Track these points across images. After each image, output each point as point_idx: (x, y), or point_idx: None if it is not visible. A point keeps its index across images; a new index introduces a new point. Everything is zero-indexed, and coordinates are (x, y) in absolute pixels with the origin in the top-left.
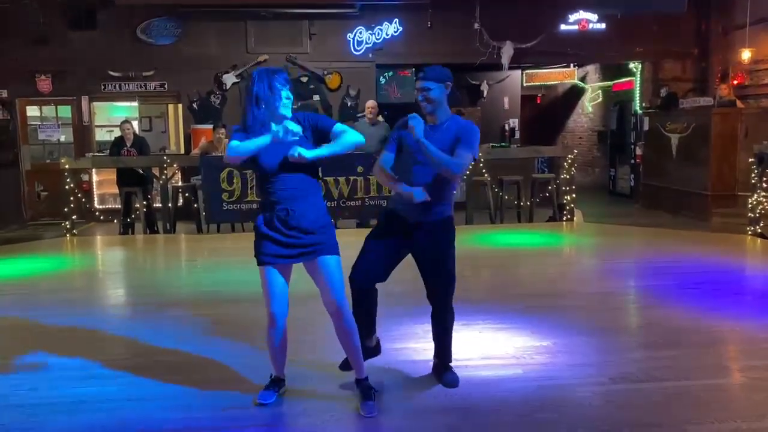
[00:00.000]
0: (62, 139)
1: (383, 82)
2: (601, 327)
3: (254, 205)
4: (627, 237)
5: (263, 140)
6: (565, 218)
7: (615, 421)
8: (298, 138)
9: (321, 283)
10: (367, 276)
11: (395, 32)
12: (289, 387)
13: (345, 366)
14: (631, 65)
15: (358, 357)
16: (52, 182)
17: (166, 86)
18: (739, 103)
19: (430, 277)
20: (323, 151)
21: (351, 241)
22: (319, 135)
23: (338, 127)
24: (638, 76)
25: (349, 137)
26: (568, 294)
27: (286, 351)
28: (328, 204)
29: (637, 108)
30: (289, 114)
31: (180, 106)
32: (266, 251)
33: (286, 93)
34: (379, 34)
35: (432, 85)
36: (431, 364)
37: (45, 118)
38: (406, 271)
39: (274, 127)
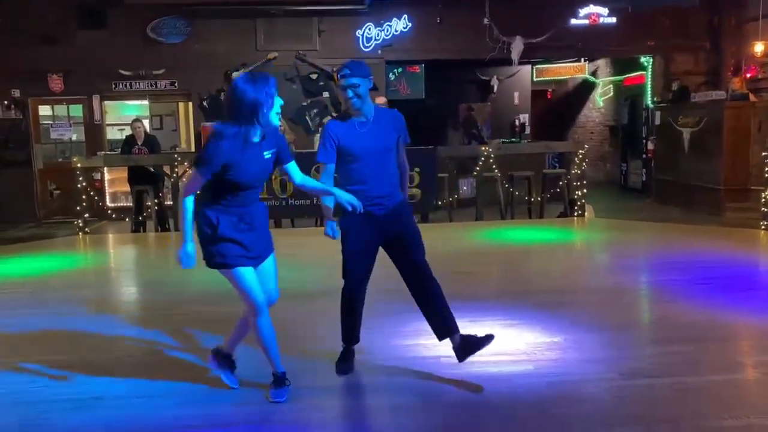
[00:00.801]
0: (74, 138)
1: (392, 78)
2: (612, 323)
3: (264, 202)
4: (639, 232)
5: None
6: (576, 214)
7: (626, 417)
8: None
9: (271, 278)
10: (361, 283)
11: (404, 28)
12: (302, 383)
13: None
14: (643, 59)
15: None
16: (65, 181)
17: (176, 84)
18: (752, 97)
19: (417, 250)
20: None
21: None
22: (276, 159)
23: (293, 166)
24: (649, 70)
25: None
26: (579, 290)
27: None
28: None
29: (649, 102)
30: (278, 123)
31: (190, 104)
32: (235, 252)
33: (279, 101)
34: (388, 30)
35: (359, 81)
36: (441, 360)
37: (57, 117)
38: None
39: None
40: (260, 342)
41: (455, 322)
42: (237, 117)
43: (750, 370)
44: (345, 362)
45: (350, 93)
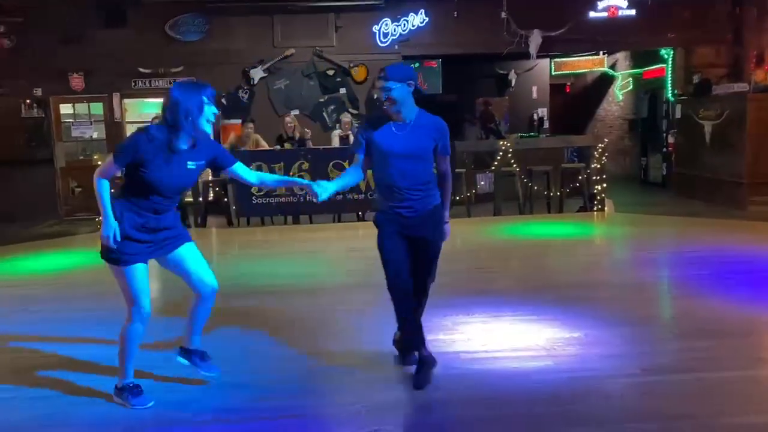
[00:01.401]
0: (95, 135)
1: None
2: (633, 318)
3: (283, 199)
4: (659, 226)
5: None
6: (595, 208)
7: (648, 413)
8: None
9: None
10: (398, 273)
11: (421, 23)
12: (320, 378)
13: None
14: (663, 52)
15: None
16: (86, 178)
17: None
18: None
19: (429, 263)
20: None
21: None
22: (214, 167)
23: (240, 166)
24: (670, 62)
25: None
26: (600, 285)
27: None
28: (356, 197)
29: (669, 95)
30: (209, 131)
31: None
32: (130, 251)
33: (212, 110)
34: (405, 25)
35: (393, 84)
36: (460, 355)
37: (78, 116)
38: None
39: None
40: (122, 346)
41: (423, 341)
42: (166, 120)
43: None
44: (418, 373)
45: (384, 96)
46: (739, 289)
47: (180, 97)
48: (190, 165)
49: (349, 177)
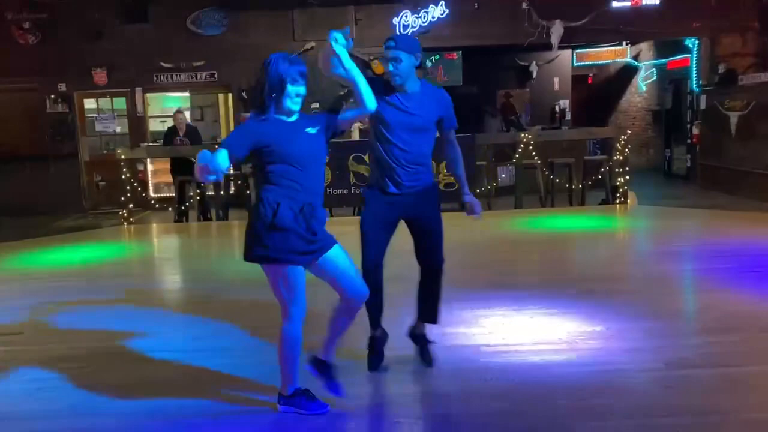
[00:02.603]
0: (118, 130)
1: (429, 65)
2: (656, 311)
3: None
4: (684, 219)
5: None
6: (618, 201)
7: (672, 408)
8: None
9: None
10: (372, 257)
11: (441, 14)
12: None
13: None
14: (687, 41)
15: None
16: (110, 172)
17: (215, 76)
18: None
19: (433, 235)
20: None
21: (400, 226)
22: (331, 130)
23: (341, 114)
24: (695, 52)
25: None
26: (622, 278)
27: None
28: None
29: (694, 86)
30: (297, 109)
31: (230, 95)
32: (296, 248)
33: (297, 89)
34: (425, 17)
35: (401, 54)
36: (481, 349)
37: (101, 110)
38: (457, 253)
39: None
40: (282, 353)
41: (434, 316)
42: (254, 95)
43: None
44: (371, 353)
45: (391, 66)
46: (764, 283)
47: (267, 74)
48: (310, 130)
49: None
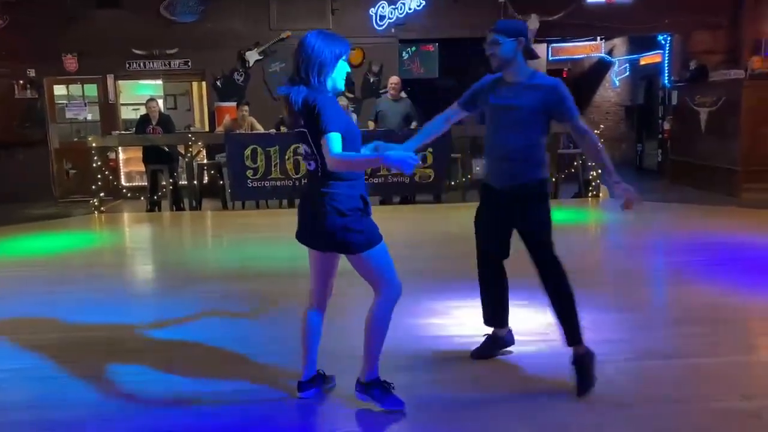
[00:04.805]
0: (89, 117)
1: (406, 57)
2: (627, 303)
3: (278, 183)
4: (654, 213)
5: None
6: (590, 194)
7: (640, 397)
8: None
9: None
10: (484, 255)
11: (418, 6)
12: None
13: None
14: (660, 38)
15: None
16: (80, 160)
17: (189, 64)
18: None
19: (530, 250)
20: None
21: (374, 218)
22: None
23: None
24: (667, 48)
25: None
26: (594, 271)
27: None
28: None
29: (666, 82)
30: (343, 88)
31: (204, 83)
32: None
33: (346, 67)
34: (401, 8)
35: (501, 39)
36: (454, 339)
37: (72, 97)
38: (425, 249)
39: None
40: (374, 335)
41: (569, 337)
42: (298, 73)
43: (764, 352)
44: (481, 347)
45: (489, 51)
46: (732, 276)
47: (315, 50)
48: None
49: (429, 126)
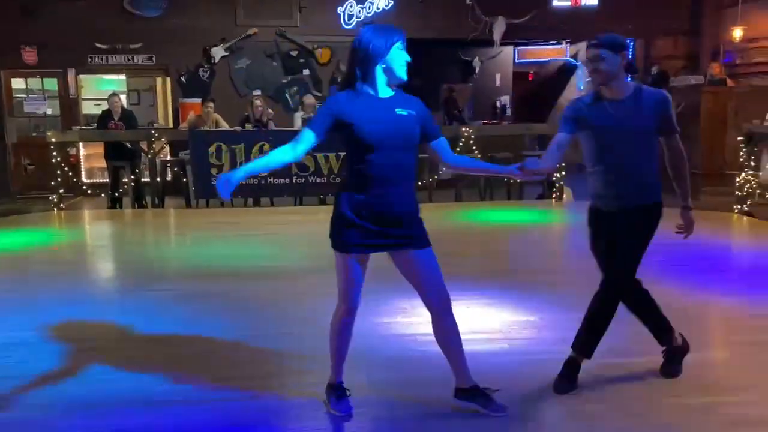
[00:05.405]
0: (49, 112)
1: None
2: (587, 303)
3: (244, 181)
4: None
5: None
6: (554, 196)
7: (598, 394)
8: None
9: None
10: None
11: (386, 5)
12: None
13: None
14: None
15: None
16: (39, 156)
17: (153, 59)
18: (729, 82)
19: (616, 261)
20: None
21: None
22: (422, 132)
23: (444, 142)
24: (630, 53)
25: None
26: (556, 270)
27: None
28: (318, 180)
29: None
30: (404, 78)
31: (168, 79)
32: (353, 241)
33: (405, 56)
34: (369, 7)
35: (605, 53)
36: (417, 338)
37: (31, 91)
38: None
39: None
40: (331, 340)
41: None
42: (353, 68)
43: (720, 349)
44: (563, 377)
45: (592, 67)
46: (690, 276)
47: (370, 42)
48: (400, 111)
49: (548, 157)
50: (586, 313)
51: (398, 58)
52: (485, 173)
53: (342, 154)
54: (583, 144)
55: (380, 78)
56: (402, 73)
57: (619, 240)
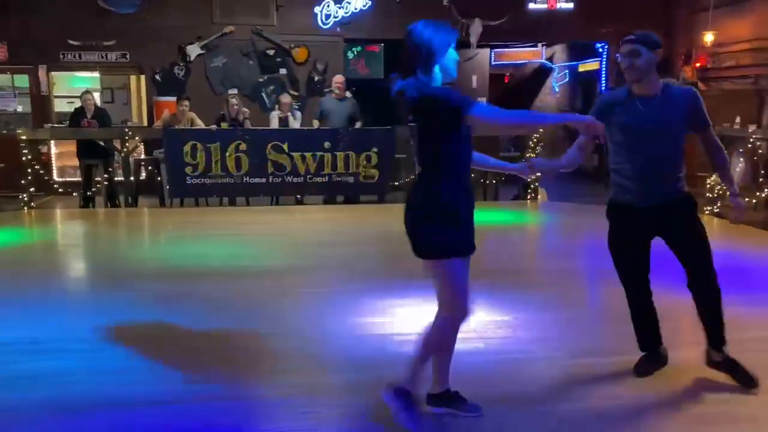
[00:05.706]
0: (19, 109)
1: (352, 57)
2: (562, 303)
3: (219, 180)
4: (589, 216)
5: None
6: (529, 197)
7: (572, 394)
8: None
9: None
10: (631, 279)
11: (364, 6)
12: (262, 361)
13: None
14: (598, 45)
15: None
16: (9, 154)
17: (128, 57)
18: (701, 85)
19: (693, 255)
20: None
21: (318, 218)
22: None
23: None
24: (604, 56)
25: None
26: (531, 271)
27: None
28: (295, 180)
29: (603, 88)
30: (455, 75)
31: (143, 77)
32: (470, 239)
33: (456, 55)
34: (347, 7)
35: (641, 49)
36: (393, 338)
37: (1, 88)
38: (375, 245)
39: None
40: (444, 351)
41: (712, 340)
42: (412, 63)
43: (694, 348)
44: (644, 365)
45: (627, 63)
46: (666, 276)
47: (431, 40)
48: None
49: (569, 156)
50: (705, 314)
51: (452, 57)
52: (494, 170)
53: (319, 154)
54: (609, 139)
55: (437, 76)
56: (455, 72)
57: (684, 235)
